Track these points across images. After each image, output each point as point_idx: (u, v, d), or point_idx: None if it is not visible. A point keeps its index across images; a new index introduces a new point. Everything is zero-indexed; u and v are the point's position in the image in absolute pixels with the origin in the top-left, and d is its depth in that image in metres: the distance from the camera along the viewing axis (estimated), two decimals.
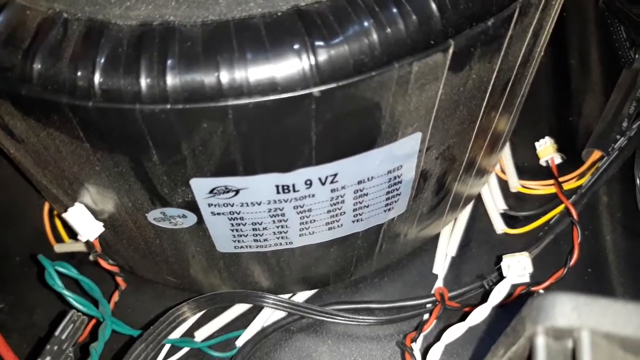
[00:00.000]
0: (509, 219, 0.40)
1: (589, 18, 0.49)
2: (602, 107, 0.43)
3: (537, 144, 0.42)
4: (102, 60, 0.20)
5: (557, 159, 0.41)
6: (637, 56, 0.43)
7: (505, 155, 0.42)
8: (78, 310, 0.31)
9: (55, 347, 0.29)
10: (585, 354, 0.14)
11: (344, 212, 0.28)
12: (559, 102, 0.47)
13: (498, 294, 0.32)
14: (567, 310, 0.14)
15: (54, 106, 0.21)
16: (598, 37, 0.48)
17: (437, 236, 0.39)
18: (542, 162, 0.41)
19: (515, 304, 0.34)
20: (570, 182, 0.40)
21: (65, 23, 0.21)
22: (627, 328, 0.14)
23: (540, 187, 0.41)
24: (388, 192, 0.28)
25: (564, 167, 0.41)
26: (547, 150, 0.41)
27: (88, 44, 0.21)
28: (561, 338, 0.15)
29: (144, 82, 0.20)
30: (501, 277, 0.34)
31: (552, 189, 0.40)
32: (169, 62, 0.20)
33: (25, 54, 0.21)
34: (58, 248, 0.40)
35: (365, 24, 0.21)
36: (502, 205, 0.40)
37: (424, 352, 0.33)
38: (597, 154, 0.40)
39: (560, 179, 0.39)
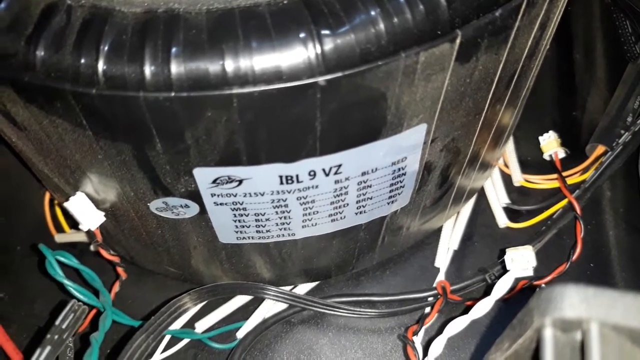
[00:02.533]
0: (512, 213, 0.40)
1: (594, 12, 0.49)
2: (606, 101, 0.42)
3: (540, 138, 0.42)
4: (106, 48, 0.20)
5: (561, 154, 0.41)
6: None
7: (509, 149, 0.41)
8: (79, 300, 0.31)
9: (56, 337, 0.29)
10: (594, 346, 0.14)
11: (347, 204, 0.28)
12: (564, 97, 0.46)
13: (501, 288, 0.32)
14: (576, 301, 0.14)
15: (57, 93, 0.21)
16: (603, 31, 0.48)
17: (439, 229, 0.39)
18: (546, 157, 0.41)
19: (517, 298, 0.34)
20: (574, 177, 0.40)
21: (69, 10, 0.21)
22: (636, 320, 0.14)
23: (544, 182, 0.40)
24: (392, 184, 0.28)
25: (567, 162, 0.40)
26: (550, 145, 0.41)
27: (92, 31, 0.20)
28: (569, 330, 0.15)
29: (148, 69, 0.20)
30: (504, 271, 0.34)
31: (556, 184, 0.40)
32: (174, 49, 0.20)
33: (28, 40, 0.21)
34: (59, 238, 0.40)
35: (372, 12, 0.21)
36: (505, 199, 0.40)
37: (426, 346, 0.33)
38: (601, 149, 0.40)
39: (564, 174, 0.39)
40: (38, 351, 0.28)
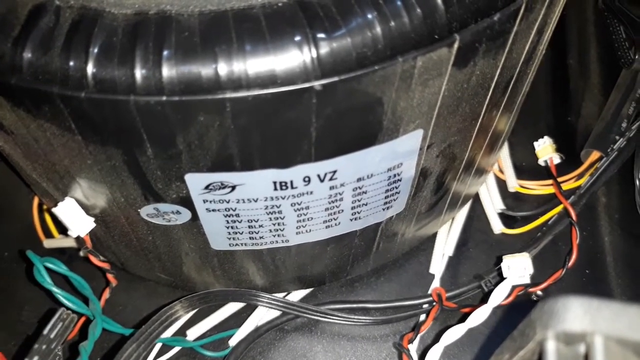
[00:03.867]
0: (507, 219, 0.39)
1: (588, 18, 0.49)
2: (601, 107, 0.42)
3: (536, 143, 0.41)
4: (96, 50, 0.20)
5: (556, 159, 0.40)
6: (636, 56, 0.43)
7: (504, 155, 0.41)
8: (67, 308, 0.30)
9: (44, 347, 0.28)
10: (598, 359, 0.13)
11: (342, 210, 0.27)
12: (558, 102, 0.46)
13: (498, 296, 0.31)
14: (580, 314, 0.14)
15: (44, 97, 0.20)
16: (597, 37, 0.48)
17: (434, 235, 0.39)
18: (541, 162, 0.41)
19: (513, 305, 0.34)
20: (569, 183, 0.39)
21: (58, 11, 0.20)
22: None
23: (539, 187, 0.40)
24: (387, 190, 0.28)
25: (562, 167, 0.40)
26: (546, 150, 0.41)
27: (81, 33, 0.20)
28: (572, 343, 0.14)
29: (139, 72, 0.19)
30: (500, 278, 0.33)
31: (551, 189, 0.39)
32: (165, 52, 0.19)
33: (15, 42, 0.20)
34: (47, 243, 0.39)
35: (369, 16, 0.20)
36: (500, 205, 0.40)
37: (421, 354, 0.33)
38: (596, 155, 0.40)
39: (559, 179, 0.39)
40: None
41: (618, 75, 0.44)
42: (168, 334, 0.34)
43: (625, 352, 0.14)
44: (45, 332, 0.29)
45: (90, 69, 0.20)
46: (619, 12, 0.45)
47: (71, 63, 0.20)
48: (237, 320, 0.36)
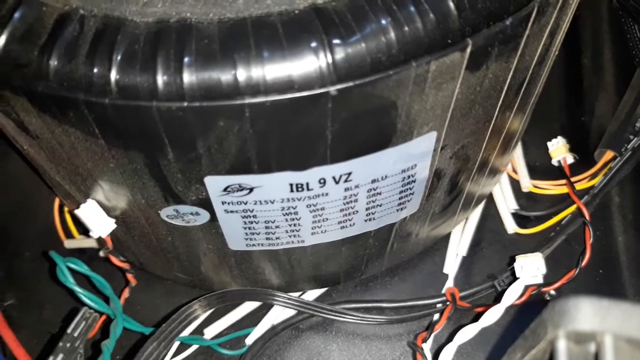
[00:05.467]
0: (521, 219, 0.39)
1: (602, 17, 0.49)
2: (615, 107, 0.42)
3: (549, 143, 0.41)
4: (119, 57, 0.20)
5: (570, 159, 0.40)
6: None
7: (517, 155, 0.41)
8: (89, 307, 0.31)
9: (68, 345, 0.29)
10: (608, 358, 0.14)
11: (357, 211, 0.28)
12: (572, 102, 0.46)
13: (512, 295, 0.32)
14: (590, 314, 0.14)
15: (70, 103, 0.21)
16: (611, 36, 0.48)
17: (448, 236, 0.39)
18: (554, 162, 0.41)
19: (526, 304, 0.34)
20: (583, 183, 0.39)
21: (82, 19, 0.21)
22: None
23: (552, 187, 0.40)
24: (401, 192, 0.28)
25: (576, 167, 0.40)
26: (559, 150, 0.41)
27: (104, 41, 0.21)
28: (583, 342, 0.15)
29: (160, 79, 0.20)
30: (513, 278, 0.34)
31: (564, 189, 0.39)
32: (186, 59, 0.20)
33: (41, 50, 0.21)
34: (68, 244, 0.40)
35: (383, 22, 0.21)
36: (514, 205, 0.40)
37: (435, 353, 0.33)
38: (609, 154, 0.39)
39: (573, 179, 0.39)
40: (51, 359, 0.28)
41: (632, 75, 0.43)
42: (186, 332, 0.34)
43: (635, 351, 0.14)
44: (69, 330, 0.29)
45: (113, 75, 0.20)
46: (633, 10, 0.45)
47: (95, 70, 0.20)
48: (253, 319, 0.36)
